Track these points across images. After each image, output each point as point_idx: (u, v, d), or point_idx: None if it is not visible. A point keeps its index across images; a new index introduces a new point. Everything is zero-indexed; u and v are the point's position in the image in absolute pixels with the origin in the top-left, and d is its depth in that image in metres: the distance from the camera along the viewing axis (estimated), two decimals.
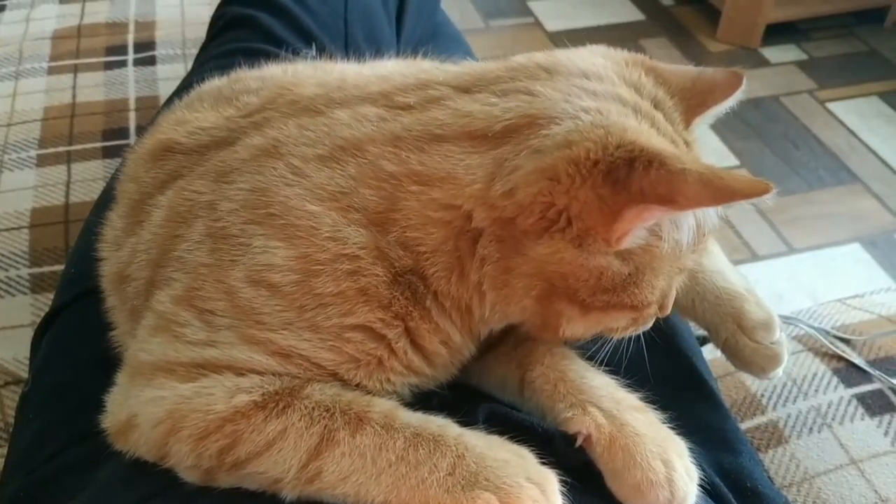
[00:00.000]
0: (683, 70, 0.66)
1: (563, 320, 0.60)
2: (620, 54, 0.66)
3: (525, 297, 0.59)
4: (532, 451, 0.57)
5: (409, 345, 0.61)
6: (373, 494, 0.54)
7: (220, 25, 1.20)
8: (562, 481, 0.56)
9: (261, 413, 0.55)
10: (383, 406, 0.57)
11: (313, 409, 0.56)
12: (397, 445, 0.54)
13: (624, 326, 0.65)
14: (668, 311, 0.68)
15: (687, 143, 0.63)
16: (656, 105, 0.62)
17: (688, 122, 0.63)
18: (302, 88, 0.69)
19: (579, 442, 0.62)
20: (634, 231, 0.55)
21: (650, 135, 0.57)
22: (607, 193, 0.53)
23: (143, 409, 0.58)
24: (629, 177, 0.53)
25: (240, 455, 0.55)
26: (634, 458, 0.60)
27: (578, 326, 0.61)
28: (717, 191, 0.52)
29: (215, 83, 0.81)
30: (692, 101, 0.63)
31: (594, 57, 0.64)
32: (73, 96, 1.41)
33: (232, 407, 0.55)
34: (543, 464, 0.57)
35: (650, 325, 0.69)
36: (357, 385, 0.60)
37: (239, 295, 0.58)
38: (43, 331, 0.91)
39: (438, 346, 0.62)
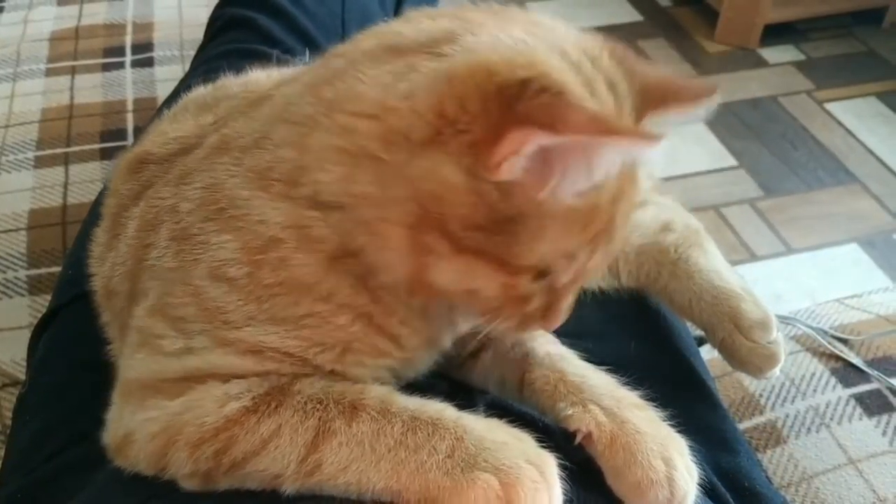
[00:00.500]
0: (652, 67, 0.62)
1: (431, 259, 0.54)
2: (596, 38, 0.63)
3: (396, 228, 0.54)
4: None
5: (366, 328, 0.59)
6: (373, 481, 0.53)
7: (217, 26, 1.20)
8: (562, 477, 0.56)
9: (253, 416, 0.55)
10: (378, 392, 0.57)
11: (305, 403, 0.55)
12: (395, 430, 0.54)
13: (494, 299, 0.57)
14: (558, 318, 0.62)
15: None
16: (609, 84, 0.58)
17: (639, 116, 0.59)
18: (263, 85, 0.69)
19: (578, 439, 0.62)
20: (516, 160, 0.50)
21: (571, 80, 0.53)
22: (495, 109, 0.50)
23: (137, 428, 0.58)
24: (520, 97, 0.49)
25: (236, 456, 0.55)
26: (635, 456, 0.60)
27: (446, 271, 0.55)
28: (602, 124, 0.49)
29: (200, 91, 0.81)
30: (651, 97, 0.59)
31: (564, 26, 0.62)
32: (71, 98, 1.41)
33: (223, 417, 0.55)
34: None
35: (529, 327, 0.63)
36: (332, 372, 0.59)
37: (204, 295, 0.58)
38: (40, 332, 0.91)
39: (399, 326, 0.61)
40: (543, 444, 0.57)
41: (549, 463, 0.55)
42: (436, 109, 0.51)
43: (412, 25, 0.58)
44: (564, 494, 0.55)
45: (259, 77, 0.77)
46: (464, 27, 0.56)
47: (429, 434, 0.54)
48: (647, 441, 0.60)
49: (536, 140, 0.48)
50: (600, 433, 0.61)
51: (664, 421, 0.64)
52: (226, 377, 0.57)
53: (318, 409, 0.55)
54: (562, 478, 0.55)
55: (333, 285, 0.57)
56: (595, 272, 0.61)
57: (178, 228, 0.61)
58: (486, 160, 0.50)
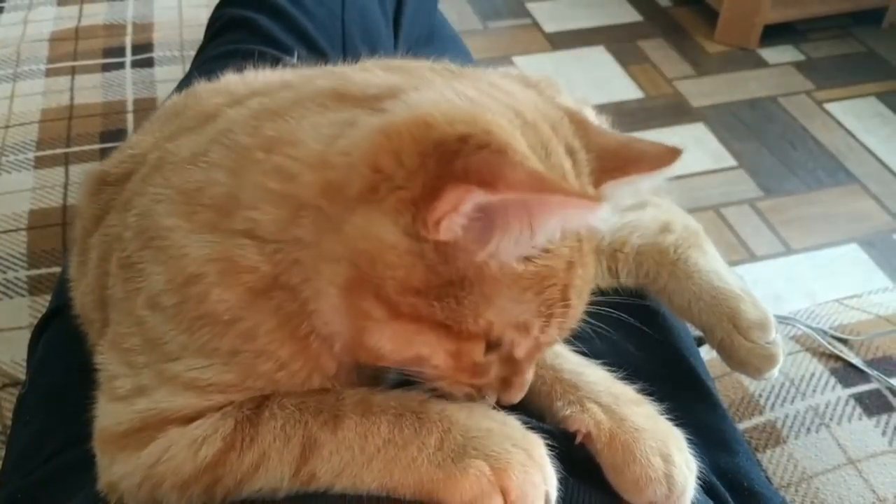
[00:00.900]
0: (613, 134, 0.61)
1: (369, 323, 0.52)
2: (556, 105, 0.61)
3: (331, 287, 0.52)
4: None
5: (301, 363, 0.57)
6: (367, 482, 0.54)
7: (217, 27, 1.20)
8: (562, 475, 0.56)
9: (231, 453, 0.55)
10: (356, 396, 0.57)
11: (283, 425, 0.55)
12: (382, 430, 0.54)
13: (441, 365, 0.55)
14: (517, 393, 0.59)
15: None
16: (568, 149, 0.56)
17: (598, 182, 0.57)
18: (214, 99, 0.67)
19: (579, 440, 0.63)
20: (455, 218, 0.47)
21: (517, 140, 0.51)
22: (433, 164, 0.48)
23: (119, 480, 0.58)
24: (458, 153, 0.47)
25: (229, 486, 0.55)
26: (634, 454, 0.60)
27: (386, 335, 0.52)
28: (542, 182, 0.46)
29: (175, 99, 0.81)
30: (609, 164, 0.57)
31: (525, 91, 0.60)
32: (71, 98, 1.41)
33: (201, 463, 0.55)
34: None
35: (488, 395, 0.59)
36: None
37: (145, 325, 0.57)
38: (40, 333, 0.91)
39: (331, 361, 0.58)
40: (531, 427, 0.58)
41: (537, 444, 0.56)
42: (372, 164, 0.49)
43: (365, 76, 0.57)
44: (562, 490, 0.56)
45: (233, 81, 0.76)
46: (411, 83, 0.55)
47: (416, 429, 0.54)
48: (646, 438, 0.61)
49: (474, 197, 0.46)
50: (599, 432, 0.62)
51: (663, 415, 0.65)
52: (182, 420, 0.56)
53: (298, 427, 0.55)
54: (560, 474, 0.56)
55: (255, 324, 0.54)
56: (551, 345, 0.60)
57: (124, 257, 0.60)
58: (424, 218, 0.48)
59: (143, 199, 0.60)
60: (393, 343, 0.52)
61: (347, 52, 1.12)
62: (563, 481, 0.56)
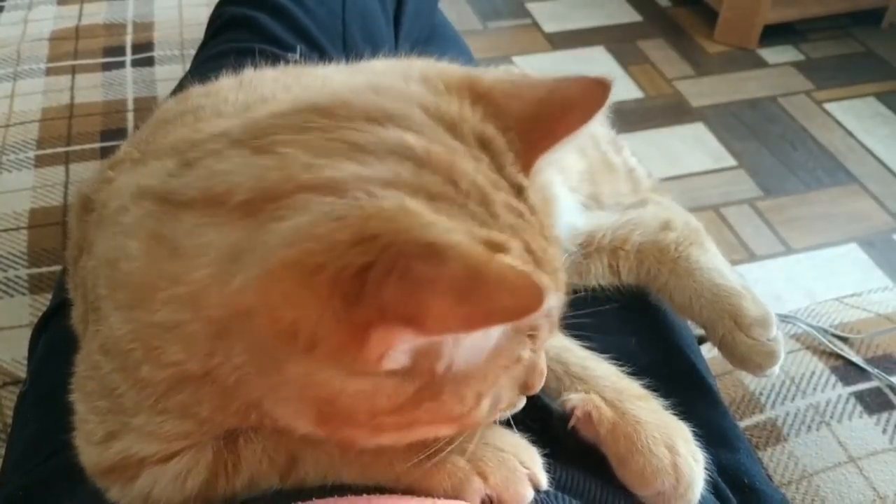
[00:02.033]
0: (530, 90, 0.53)
1: (357, 441, 0.50)
2: (447, 74, 0.54)
3: (299, 420, 0.49)
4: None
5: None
6: (351, 479, 0.54)
7: (217, 25, 1.20)
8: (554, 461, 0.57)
9: (219, 479, 0.55)
10: None
11: (264, 447, 0.55)
12: None
13: (452, 434, 0.52)
14: (538, 386, 0.56)
15: (518, 190, 0.50)
16: (481, 143, 0.50)
17: (527, 163, 0.51)
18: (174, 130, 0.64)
19: (573, 422, 0.63)
20: (394, 353, 0.42)
21: (421, 218, 0.42)
22: (340, 309, 0.41)
23: (122, 501, 0.58)
24: (364, 289, 0.40)
25: (229, 496, 0.56)
26: (636, 445, 0.60)
27: (382, 442, 0.50)
28: (475, 308, 0.39)
29: (169, 104, 0.79)
30: (534, 134, 0.50)
31: (402, 84, 0.53)
32: (72, 97, 1.41)
33: (189, 493, 0.55)
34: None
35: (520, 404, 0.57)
36: None
37: (100, 370, 0.55)
38: (40, 331, 0.91)
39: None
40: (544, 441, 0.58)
41: (511, 434, 0.56)
42: (275, 317, 0.43)
43: (244, 172, 0.48)
44: (552, 477, 0.57)
45: (227, 85, 0.76)
46: (274, 171, 0.46)
47: None
48: (650, 430, 0.61)
49: (404, 338, 0.41)
50: (601, 416, 0.62)
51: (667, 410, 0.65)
52: (159, 460, 0.55)
53: (279, 447, 0.55)
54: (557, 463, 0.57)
55: (194, 400, 0.51)
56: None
57: (90, 301, 0.59)
58: (362, 359, 0.42)
59: (93, 255, 0.58)
60: (388, 442, 0.50)
61: (348, 50, 1.12)
62: (568, 472, 0.56)
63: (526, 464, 0.55)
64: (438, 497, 0.53)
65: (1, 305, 1.12)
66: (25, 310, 1.11)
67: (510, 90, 0.53)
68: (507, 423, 0.57)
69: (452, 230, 0.42)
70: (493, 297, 0.39)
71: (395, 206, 0.43)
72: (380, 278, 0.40)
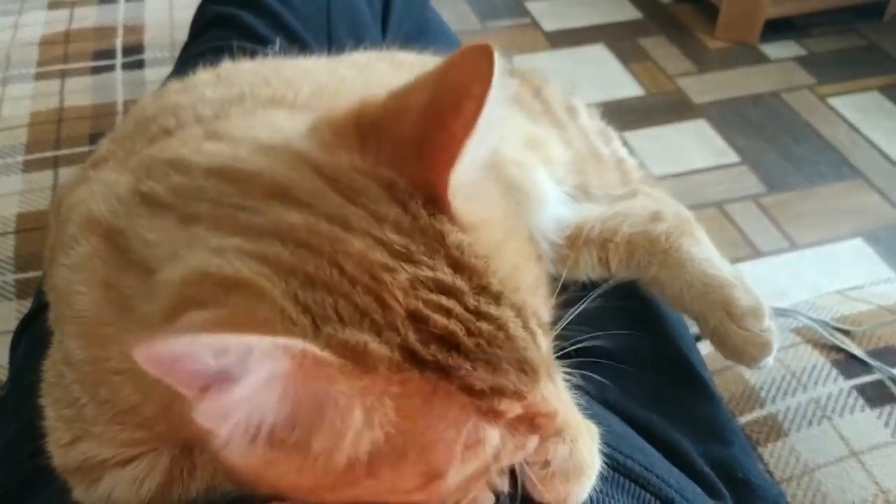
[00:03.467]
0: (416, 97, 0.45)
1: None
2: (336, 116, 0.48)
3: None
4: None
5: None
6: None
7: (200, 24, 1.20)
8: None
9: (175, 484, 0.54)
10: None
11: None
12: None
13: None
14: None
15: (439, 239, 0.44)
16: (386, 188, 0.45)
17: (440, 189, 0.44)
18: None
19: None
20: (225, 425, 0.40)
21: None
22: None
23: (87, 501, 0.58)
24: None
25: (187, 498, 0.55)
26: None
27: None
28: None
29: (146, 101, 0.77)
30: (435, 151, 0.44)
31: (296, 139, 0.49)
32: (61, 101, 1.41)
33: (146, 496, 0.54)
34: None
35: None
36: None
37: (64, 378, 0.56)
38: (20, 334, 0.90)
39: None
40: None
41: None
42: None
43: (167, 248, 0.47)
44: None
45: (203, 79, 0.75)
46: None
47: None
48: None
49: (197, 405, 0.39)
50: None
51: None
52: (118, 464, 0.55)
53: None
54: None
55: (153, 421, 0.52)
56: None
57: (54, 312, 0.59)
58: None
59: (56, 273, 0.57)
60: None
61: (333, 46, 1.11)
62: None
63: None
64: None
65: None
66: (12, 315, 1.11)
67: (397, 106, 0.46)
68: None
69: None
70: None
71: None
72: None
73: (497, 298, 0.44)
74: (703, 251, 0.82)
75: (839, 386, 0.92)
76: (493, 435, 0.45)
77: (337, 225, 0.43)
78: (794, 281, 1.84)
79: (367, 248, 0.42)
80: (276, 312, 0.40)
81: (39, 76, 1.46)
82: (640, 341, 0.80)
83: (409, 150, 0.44)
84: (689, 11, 2.70)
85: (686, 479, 0.67)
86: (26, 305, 1.11)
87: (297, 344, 0.38)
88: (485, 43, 0.42)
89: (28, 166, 1.28)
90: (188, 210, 0.47)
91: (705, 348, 0.90)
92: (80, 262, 0.51)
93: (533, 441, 0.50)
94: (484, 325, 0.43)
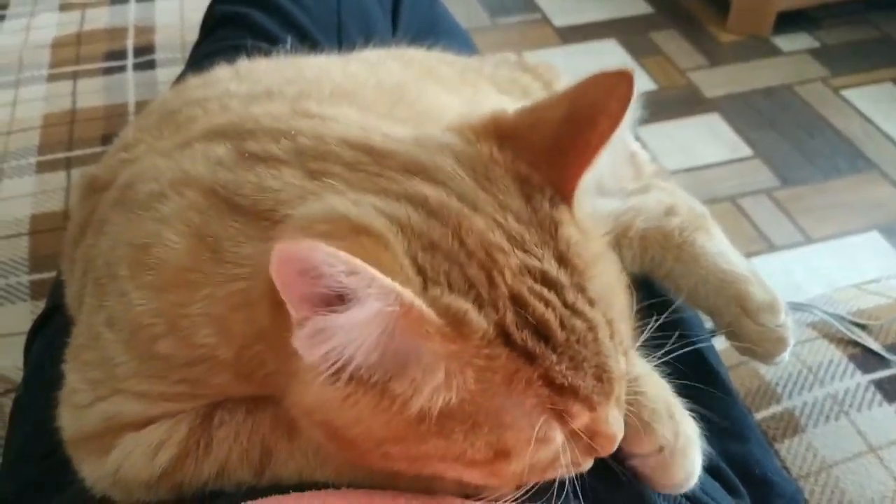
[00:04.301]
0: (552, 111, 0.51)
1: (374, 464, 0.49)
2: (473, 121, 0.53)
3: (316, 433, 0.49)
4: None
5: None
6: (322, 479, 0.54)
7: (211, 24, 1.20)
8: None
9: (188, 459, 0.55)
10: None
11: (237, 434, 0.55)
12: None
13: (486, 485, 0.51)
14: (608, 449, 0.52)
15: (553, 229, 0.48)
16: (520, 182, 0.49)
17: (569, 189, 0.49)
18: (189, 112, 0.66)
19: None
20: (319, 350, 0.43)
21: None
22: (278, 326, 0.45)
23: (94, 482, 0.59)
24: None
25: (195, 484, 0.56)
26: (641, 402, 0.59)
27: (394, 467, 0.49)
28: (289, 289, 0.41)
29: (167, 96, 0.80)
30: (569, 156, 0.49)
31: (439, 134, 0.53)
32: (73, 102, 1.41)
33: (158, 469, 0.55)
34: None
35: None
36: None
37: (101, 341, 0.57)
38: (35, 334, 0.90)
39: None
40: None
41: None
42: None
43: (292, 193, 0.50)
44: None
45: (222, 75, 0.75)
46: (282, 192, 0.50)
47: None
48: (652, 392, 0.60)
49: (302, 327, 0.42)
50: None
51: None
52: (136, 425, 0.56)
53: (254, 437, 0.55)
54: None
55: (209, 374, 0.53)
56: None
57: (94, 277, 0.60)
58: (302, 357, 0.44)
59: (109, 234, 0.59)
60: (405, 470, 0.49)
61: (344, 44, 1.11)
62: None
63: None
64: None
65: (2, 312, 1.12)
66: (27, 316, 1.11)
67: (532, 119, 0.51)
68: None
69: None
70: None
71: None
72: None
73: (592, 302, 0.47)
74: (718, 246, 0.82)
75: (856, 381, 0.91)
76: (558, 438, 0.48)
77: (466, 204, 0.47)
78: (809, 275, 1.83)
79: (488, 229, 0.46)
80: (396, 264, 0.43)
81: (52, 78, 1.46)
82: (654, 337, 0.80)
83: (544, 154, 0.49)
84: (701, 5, 2.69)
85: (715, 484, 0.67)
86: (40, 306, 1.11)
87: (409, 295, 0.41)
88: (627, 68, 0.48)
89: (41, 168, 1.29)
90: (317, 167, 0.51)
91: (720, 344, 0.89)
92: (173, 212, 0.53)
93: (588, 463, 0.52)
94: (577, 322, 0.46)
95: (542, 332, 0.45)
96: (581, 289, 0.47)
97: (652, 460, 0.59)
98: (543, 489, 0.51)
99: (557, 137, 0.49)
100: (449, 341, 0.42)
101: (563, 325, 0.46)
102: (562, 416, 0.46)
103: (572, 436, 0.48)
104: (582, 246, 0.49)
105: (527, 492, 0.51)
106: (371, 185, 0.48)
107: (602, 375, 0.47)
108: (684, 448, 0.59)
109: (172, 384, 0.54)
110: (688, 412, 0.62)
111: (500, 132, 0.52)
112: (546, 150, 0.50)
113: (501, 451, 0.46)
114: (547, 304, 0.46)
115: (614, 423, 0.50)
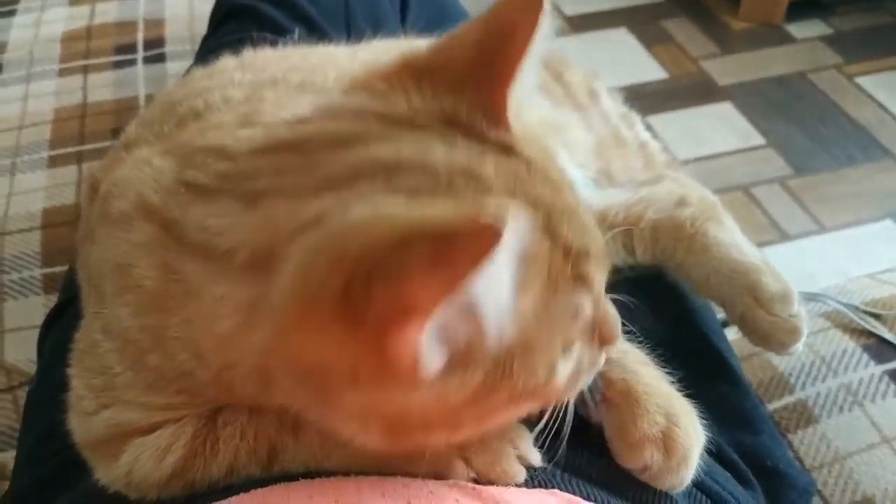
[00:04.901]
0: (467, 36, 0.50)
1: (432, 444, 0.48)
2: (380, 67, 0.52)
3: (364, 439, 0.47)
4: None
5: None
6: (329, 468, 0.54)
7: (219, 16, 1.20)
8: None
9: (196, 459, 0.55)
10: None
11: (243, 433, 0.55)
12: None
13: (538, 409, 0.52)
14: (615, 337, 0.53)
15: (506, 149, 0.48)
16: (447, 120, 0.48)
17: (499, 109, 0.49)
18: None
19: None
20: (424, 354, 0.40)
21: (388, 217, 0.41)
22: (348, 336, 0.40)
23: (109, 483, 0.59)
24: (356, 307, 0.39)
25: (204, 484, 0.55)
26: (638, 409, 0.59)
27: (462, 437, 0.48)
28: (445, 263, 0.36)
29: (171, 89, 0.80)
30: (492, 76, 0.48)
31: (345, 98, 0.52)
32: (84, 96, 1.42)
33: (168, 470, 0.55)
34: None
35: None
36: None
37: (99, 348, 0.57)
38: (48, 328, 0.91)
39: None
40: None
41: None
42: (307, 369, 0.44)
43: (239, 230, 0.47)
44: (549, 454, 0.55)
45: (227, 65, 0.75)
46: (263, 228, 0.46)
47: None
48: (653, 397, 0.60)
49: (413, 333, 0.38)
50: (609, 377, 0.60)
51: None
52: (143, 431, 0.56)
53: (261, 436, 0.55)
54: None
55: (203, 384, 0.52)
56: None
57: (94, 284, 0.60)
58: (401, 373, 0.40)
59: (97, 247, 0.58)
60: (468, 435, 0.49)
61: (352, 36, 1.11)
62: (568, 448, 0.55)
63: (514, 443, 0.54)
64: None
65: (15, 306, 1.12)
66: (40, 310, 1.12)
67: (447, 47, 0.51)
68: None
69: (415, 213, 0.41)
70: (453, 251, 0.36)
71: (364, 215, 0.41)
72: (361, 291, 0.38)
73: (563, 188, 0.49)
74: (730, 236, 0.81)
75: (870, 371, 0.91)
76: (586, 304, 0.48)
77: (416, 146, 0.46)
78: (822, 264, 1.82)
79: (449, 155, 0.45)
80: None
81: (62, 72, 1.47)
82: (666, 328, 0.79)
83: (465, 80, 0.49)
84: None
85: (726, 474, 0.67)
86: (53, 300, 1.11)
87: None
88: None
89: (53, 162, 1.30)
90: (244, 188, 0.49)
91: (732, 334, 0.89)
92: (140, 241, 0.52)
93: (601, 358, 0.53)
94: (562, 200, 0.47)
95: (552, 223, 0.46)
96: (556, 187, 0.48)
97: (645, 475, 0.60)
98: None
99: (476, 60, 0.49)
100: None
101: (557, 209, 0.46)
102: (582, 280, 0.47)
103: (584, 332, 0.49)
104: (539, 155, 0.49)
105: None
106: (308, 182, 0.46)
107: (593, 244, 0.48)
108: (676, 468, 0.59)
109: (171, 395, 0.54)
110: (695, 411, 0.62)
111: (415, 70, 0.51)
112: (467, 76, 0.49)
113: (552, 362, 0.47)
114: (539, 198, 0.46)
115: (612, 310, 0.52)
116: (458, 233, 0.36)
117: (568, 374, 0.49)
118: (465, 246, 0.36)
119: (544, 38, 0.49)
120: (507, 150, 0.48)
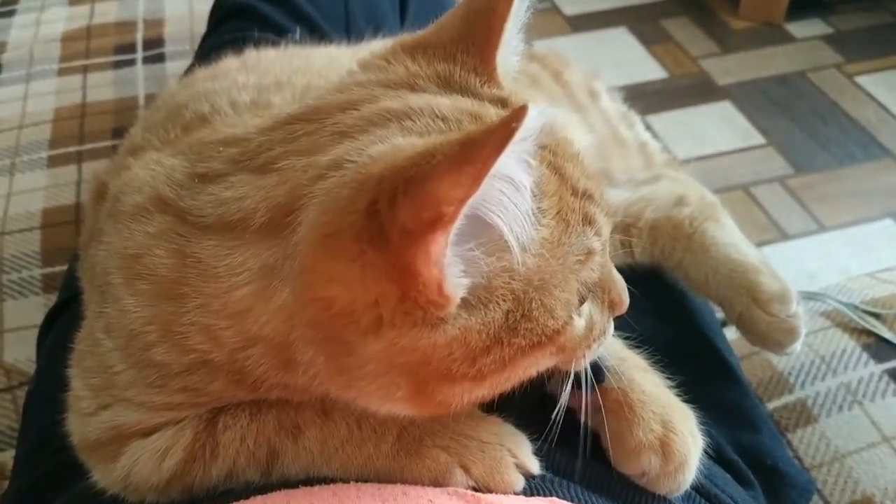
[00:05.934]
0: (452, 13, 0.55)
1: (456, 400, 0.48)
2: (377, 51, 0.56)
3: (389, 401, 0.49)
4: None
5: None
6: (331, 474, 0.54)
7: (219, 16, 1.20)
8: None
9: (195, 463, 0.55)
10: (316, 404, 0.56)
11: (243, 437, 0.55)
12: (340, 433, 0.54)
13: (553, 364, 0.52)
14: (624, 301, 0.56)
15: (500, 101, 0.52)
16: (443, 83, 0.52)
17: (489, 69, 0.52)
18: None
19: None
20: (448, 271, 0.41)
21: (410, 146, 0.44)
22: (376, 259, 0.41)
23: (107, 486, 0.59)
24: (383, 225, 0.40)
25: (204, 487, 0.56)
26: (634, 416, 0.59)
27: (483, 393, 0.49)
28: (469, 158, 0.38)
29: (173, 87, 0.80)
30: (478, 41, 0.52)
31: (350, 77, 0.56)
32: (84, 96, 1.42)
33: (167, 473, 0.56)
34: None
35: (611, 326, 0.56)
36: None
37: (100, 347, 0.57)
38: (48, 326, 0.91)
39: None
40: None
41: (497, 423, 0.56)
42: (335, 308, 0.44)
43: (255, 196, 0.49)
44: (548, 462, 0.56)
45: (230, 66, 0.75)
46: (279, 187, 0.49)
47: (374, 429, 0.54)
48: (650, 404, 0.60)
49: (441, 244, 0.40)
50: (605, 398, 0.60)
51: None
52: (141, 433, 0.57)
53: (260, 440, 0.55)
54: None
55: (206, 380, 0.53)
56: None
57: (97, 284, 0.60)
58: (425, 301, 0.42)
59: (105, 244, 0.59)
60: (490, 390, 0.49)
61: (351, 34, 1.11)
62: (565, 455, 0.56)
63: (513, 451, 0.54)
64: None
65: (15, 305, 1.12)
66: (40, 310, 1.11)
67: (436, 26, 0.56)
68: (499, 411, 0.56)
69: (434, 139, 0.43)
70: (484, 141, 0.39)
71: (384, 148, 0.44)
72: (387, 206, 0.40)
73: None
74: (729, 235, 0.81)
75: (870, 370, 0.91)
76: (595, 244, 0.49)
77: (421, 99, 0.50)
78: (822, 263, 1.82)
79: (454, 104, 0.49)
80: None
81: (62, 72, 1.47)
82: (665, 328, 0.79)
83: (455, 48, 0.53)
84: None
85: (726, 476, 0.67)
86: (53, 299, 1.12)
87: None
88: None
89: (52, 162, 1.29)
90: (258, 162, 0.51)
91: (731, 334, 0.89)
92: (156, 231, 0.53)
93: (611, 327, 0.55)
94: (562, 146, 0.51)
95: (558, 162, 0.49)
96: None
97: (643, 480, 0.61)
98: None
99: (463, 31, 0.53)
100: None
101: (560, 153, 0.49)
102: (588, 219, 0.49)
103: (594, 293, 0.51)
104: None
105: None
106: (321, 140, 0.49)
107: (596, 190, 0.51)
108: (674, 473, 0.59)
109: (171, 394, 0.54)
110: (694, 416, 0.62)
111: (409, 48, 0.55)
112: (456, 45, 0.53)
113: (570, 303, 0.48)
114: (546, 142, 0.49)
115: (620, 279, 0.55)
116: (481, 130, 0.39)
117: (582, 328, 0.50)
118: (490, 135, 0.38)
119: (523, 4, 0.54)
120: (502, 102, 0.51)
